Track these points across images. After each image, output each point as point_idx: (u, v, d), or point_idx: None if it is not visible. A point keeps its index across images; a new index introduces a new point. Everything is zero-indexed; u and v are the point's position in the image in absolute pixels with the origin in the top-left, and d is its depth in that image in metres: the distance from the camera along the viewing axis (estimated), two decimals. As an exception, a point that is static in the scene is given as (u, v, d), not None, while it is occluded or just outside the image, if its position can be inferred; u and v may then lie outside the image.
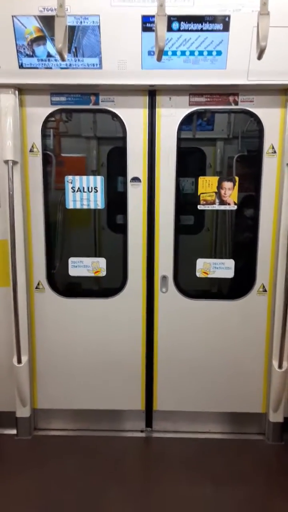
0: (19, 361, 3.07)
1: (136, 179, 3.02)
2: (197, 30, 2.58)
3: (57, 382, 3.28)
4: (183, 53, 2.64)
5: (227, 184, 2.99)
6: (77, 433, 3.31)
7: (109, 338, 3.21)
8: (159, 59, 2.29)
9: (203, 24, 2.57)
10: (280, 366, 3.04)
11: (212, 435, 3.30)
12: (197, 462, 3.01)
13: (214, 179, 3.02)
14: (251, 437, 3.29)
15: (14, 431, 3.29)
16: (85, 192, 3.06)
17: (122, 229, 3.14)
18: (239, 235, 3.59)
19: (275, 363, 3.07)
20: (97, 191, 3.06)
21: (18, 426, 3.27)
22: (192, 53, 2.64)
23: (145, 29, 2.59)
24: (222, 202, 3.02)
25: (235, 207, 3.04)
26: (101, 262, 3.14)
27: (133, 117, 2.95)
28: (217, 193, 3.01)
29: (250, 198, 3.13)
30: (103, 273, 3.15)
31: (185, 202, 3.38)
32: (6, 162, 2.83)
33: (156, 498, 2.70)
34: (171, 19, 2.54)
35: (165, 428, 3.33)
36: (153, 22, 2.50)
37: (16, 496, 2.71)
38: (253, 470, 2.94)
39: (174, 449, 3.15)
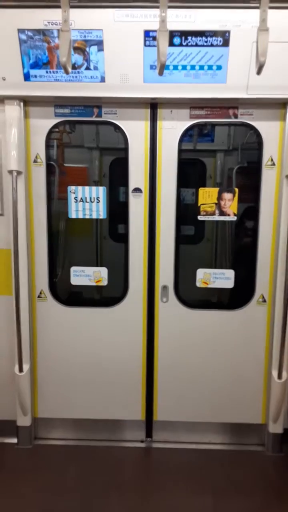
0: (21, 370, 3.08)
1: (137, 190, 3.06)
2: (198, 45, 2.64)
3: (58, 391, 3.29)
4: (184, 67, 2.70)
5: (227, 195, 3.03)
6: (77, 442, 3.31)
7: (110, 347, 3.22)
8: (160, 73, 2.34)
9: (204, 39, 2.63)
10: (279, 377, 3.04)
11: (212, 446, 3.29)
12: (197, 472, 3.00)
13: (214, 190, 3.05)
14: (251, 448, 3.27)
15: (14, 440, 3.28)
16: (88, 202, 3.10)
17: (123, 239, 3.17)
18: (239, 245, 3.61)
19: (274, 374, 3.07)
20: (99, 201, 3.09)
21: (18, 435, 3.27)
22: (193, 67, 2.70)
23: (147, 43, 2.65)
24: (222, 213, 3.06)
25: (235, 218, 3.08)
26: (103, 272, 3.17)
27: (135, 129, 3.00)
28: (217, 204, 3.05)
29: (250, 209, 3.16)
30: (104, 282, 3.17)
31: (186, 212, 3.41)
32: (10, 172, 2.88)
33: (155, 509, 2.69)
34: (172, 34, 2.60)
35: (165, 438, 3.33)
36: (155, 37, 2.56)
37: (16, 505, 2.70)
38: (252, 481, 2.93)
39: (174, 460, 3.14)
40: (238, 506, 2.71)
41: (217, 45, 2.63)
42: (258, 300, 3.14)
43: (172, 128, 2.98)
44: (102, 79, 2.75)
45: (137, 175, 3.04)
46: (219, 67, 2.69)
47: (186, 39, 2.63)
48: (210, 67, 2.69)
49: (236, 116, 2.98)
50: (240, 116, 2.97)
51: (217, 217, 3.08)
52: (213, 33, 2.61)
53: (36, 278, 3.17)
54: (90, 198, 3.09)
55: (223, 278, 3.13)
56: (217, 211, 3.06)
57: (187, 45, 2.64)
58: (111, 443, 3.30)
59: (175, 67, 2.70)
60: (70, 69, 2.37)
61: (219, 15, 2.58)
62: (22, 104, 2.92)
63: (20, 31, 2.64)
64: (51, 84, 2.78)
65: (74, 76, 2.76)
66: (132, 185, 3.06)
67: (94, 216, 3.13)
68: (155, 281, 3.15)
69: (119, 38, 2.65)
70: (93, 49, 2.67)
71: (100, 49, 2.67)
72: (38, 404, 3.30)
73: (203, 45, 2.64)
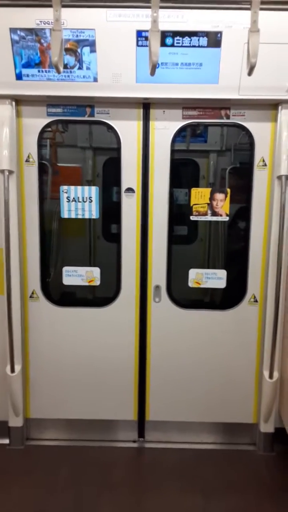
0: (12, 370, 3.07)
1: (130, 190, 3.06)
2: (190, 46, 2.65)
3: (50, 391, 3.28)
4: (176, 67, 2.70)
5: (219, 196, 3.04)
6: (69, 443, 3.30)
7: (102, 348, 3.22)
8: (152, 73, 2.34)
9: (196, 39, 2.63)
10: (271, 376, 3.05)
11: (204, 446, 3.30)
12: (189, 472, 3.00)
13: (207, 191, 3.06)
14: (243, 448, 3.28)
15: (6, 441, 3.27)
16: (80, 202, 3.09)
17: (116, 239, 3.17)
18: (231, 246, 3.63)
19: (265, 373, 3.08)
20: (92, 201, 3.09)
21: (10, 435, 3.26)
22: (185, 67, 2.70)
23: (140, 43, 2.65)
24: (214, 213, 3.06)
25: (227, 218, 3.09)
26: (95, 272, 3.16)
27: (128, 129, 2.99)
28: (209, 204, 3.05)
29: (242, 210, 3.17)
30: (97, 282, 3.17)
31: (179, 212, 3.42)
32: (2, 171, 2.86)
33: (148, 508, 2.69)
34: (165, 34, 2.60)
35: (157, 438, 3.33)
36: (147, 37, 2.56)
37: (7, 506, 2.69)
38: (244, 480, 2.94)
39: (166, 459, 3.14)
40: (230, 505, 2.72)
41: (209, 46, 2.64)
42: (250, 300, 3.15)
43: (165, 128, 2.99)
44: (95, 79, 2.75)
45: (129, 175, 3.04)
46: (211, 68, 2.69)
47: (178, 39, 2.63)
48: (202, 68, 2.70)
49: (228, 117, 2.98)
50: (232, 117, 2.98)
51: (209, 217, 3.08)
52: (205, 34, 2.62)
53: (28, 278, 3.16)
54: (83, 198, 3.09)
55: (215, 278, 3.14)
56: (209, 212, 3.07)
57: (179, 46, 2.65)
58: (104, 443, 3.30)
59: (168, 68, 2.70)
60: (62, 69, 2.37)
61: (211, 16, 2.58)
62: (14, 103, 2.91)
63: (12, 30, 2.63)
64: (43, 83, 2.78)
65: (66, 76, 2.75)
66: (124, 185, 3.06)
67: (87, 216, 3.12)
68: (148, 281, 3.15)
69: (111, 38, 2.64)
70: (86, 50, 2.67)
71: (93, 50, 2.67)
72: (30, 404, 3.29)
73: (195, 46, 2.64)
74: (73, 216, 3.12)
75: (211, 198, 3.04)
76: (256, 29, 2.15)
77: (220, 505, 2.72)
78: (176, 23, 2.60)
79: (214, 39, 2.63)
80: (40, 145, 3.06)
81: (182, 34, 2.63)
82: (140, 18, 2.60)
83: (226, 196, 3.04)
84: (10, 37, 2.65)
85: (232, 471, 3.02)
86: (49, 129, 3.28)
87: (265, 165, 2.99)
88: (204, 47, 2.64)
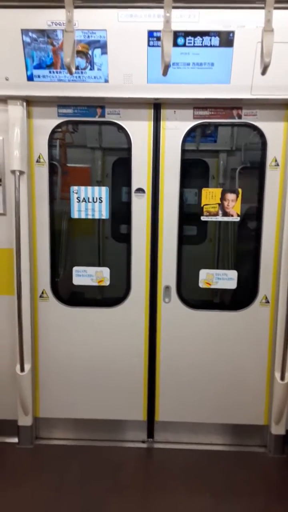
0: (22, 369, 3.08)
1: (140, 190, 3.05)
2: (202, 46, 2.64)
3: (59, 391, 3.28)
4: (188, 67, 2.69)
5: (230, 196, 3.02)
6: (78, 442, 3.31)
7: (112, 348, 3.22)
8: (164, 74, 2.33)
9: (208, 39, 2.62)
10: (282, 378, 3.04)
11: (214, 447, 3.29)
12: (198, 473, 3.00)
13: (218, 191, 3.05)
14: (253, 449, 3.27)
15: (15, 440, 3.28)
16: (90, 203, 3.10)
17: (126, 239, 3.17)
18: (242, 246, 3.60)
19: (277, 375, 3.07)
20: (101, 201, 3.09)
21: (19, 434, 3.27)
22: (197, 67, 2.69)
23: (151, 44, 2.65)
24: (225, 214, 3.05)
25: (238, 219, 3.07)
26: (105, 272, 3.17)
27: (138, 130, 2.99)
28: (220, 204, 3.04)
29: (253, 210, 3.15)
30: (106, 282, 3.17)
31: (189, 213, 3.40)
32: (13, 172, 2.88)
33: (156, 509, 2.69)
34: (176, 34, 2.60)
35: (166, 439, 3.32)
36: (159, 37, 2.56)
37: (16, 505, 2.70)
38: (254, 482, 2.92)
39: (176, 460, 3.14)
40: (240, 508, 2.70)
41: (221, 46, 2.63)
42: (261, 301, 3.14)
43: (176, 129, 2.98)
44: (106, 80, 2.75)
45: (140, 176, 3.04)
46: (223, 68, 2.68)
47: (189, 39, 2.62)
48: (214, 68, 2.68)
49: (240, 117, 2.97)
50: (244, 116, 2.96)
51: (220, 218, 3.07)
52: (217, 33, 2.60)
53: (38, 278, 3.17)
54: (93, 198, 3.09)
55: (226, 279, 3.12)
56: (220, 212, 3.05)
57: (191, 46, 2.64)
58: (112, 443, 3.30)
59: (179, 68, 2.69)
60: (74, 70, 2.37)
61: (224, 16, 2.57)
62: (25, 104, 2.92)
63: (24, 31, 2.64)
64: (54, 84, 2.78)
65: (77, 77, 2.76)
66: (135, 185, 3.05)
67: (97, 216, 3.13)
68: (158, 282, 3.15)
69: (123, 38, 2.64)
70: (97, 52, 2.67)
71: (104, 52, 2.67)
72: (39, 403, 3.30)
73: (207, 46, 2.63)
74: (83, 216, 3.12)
75: (222, 198, 3.03)
76: (270, 28, 2.14)
77: (229, 507, 2.70)
78: (188, 23, 2.59)
79: (226, 39, 2.61)
80: (51, 146, 3.07)
81: (194, 34, 2.62)
82: (151, 18, 2.59)
83: (237, 196, 3.02)
84: (22, 39, 2.66)
85: (242, 473, 3.00)
86: (60, 129, 3.28)
87: (278, 165, 2.97)
88: (216, 46, 2.63)
